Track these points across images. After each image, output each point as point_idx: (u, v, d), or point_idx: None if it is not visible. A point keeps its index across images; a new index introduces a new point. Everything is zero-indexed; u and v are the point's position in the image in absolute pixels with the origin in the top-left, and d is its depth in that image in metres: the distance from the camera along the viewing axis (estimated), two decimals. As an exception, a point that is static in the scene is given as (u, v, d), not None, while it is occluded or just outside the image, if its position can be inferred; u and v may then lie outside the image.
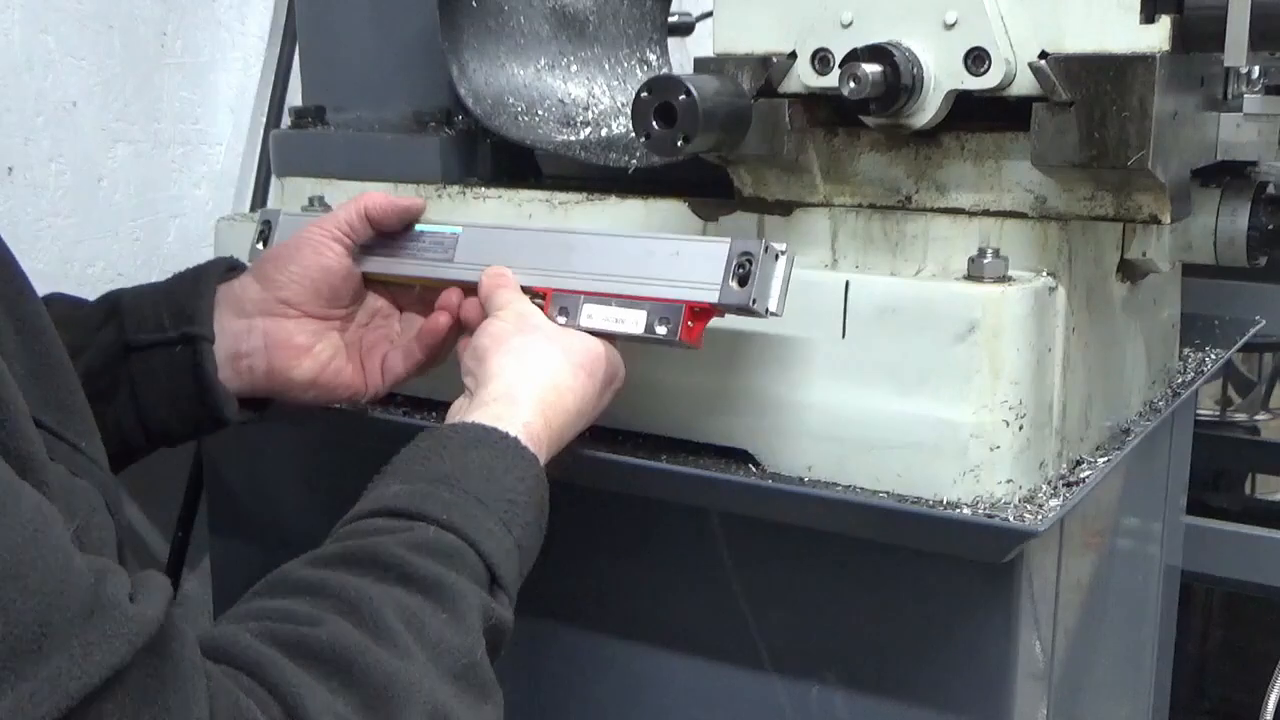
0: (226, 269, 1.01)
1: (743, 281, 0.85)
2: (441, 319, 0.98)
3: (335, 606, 0.67)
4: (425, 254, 1.00)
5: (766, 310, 0.86)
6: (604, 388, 0.90)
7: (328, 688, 0.63)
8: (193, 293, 0.97)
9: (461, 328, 0.97)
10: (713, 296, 0.86)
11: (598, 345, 0.89)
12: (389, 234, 1.01)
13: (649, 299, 0.89)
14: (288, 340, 0.97)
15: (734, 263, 0.86)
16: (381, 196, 1.01)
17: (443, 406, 1.03)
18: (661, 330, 0.88)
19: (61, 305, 1.00)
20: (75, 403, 0.76)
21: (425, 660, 0.67)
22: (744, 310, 0.86)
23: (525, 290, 0.93)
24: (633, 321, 0.89)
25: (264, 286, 0.97)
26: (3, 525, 0.52)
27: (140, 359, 0.95)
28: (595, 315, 0.90)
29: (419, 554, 0.72)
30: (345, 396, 1.01)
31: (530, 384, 0.85)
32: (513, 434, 0.81)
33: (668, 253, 0.89)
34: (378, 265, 1.01)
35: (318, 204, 1.22)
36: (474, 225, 0.99)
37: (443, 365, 1.00)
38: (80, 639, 0.52)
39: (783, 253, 0.86)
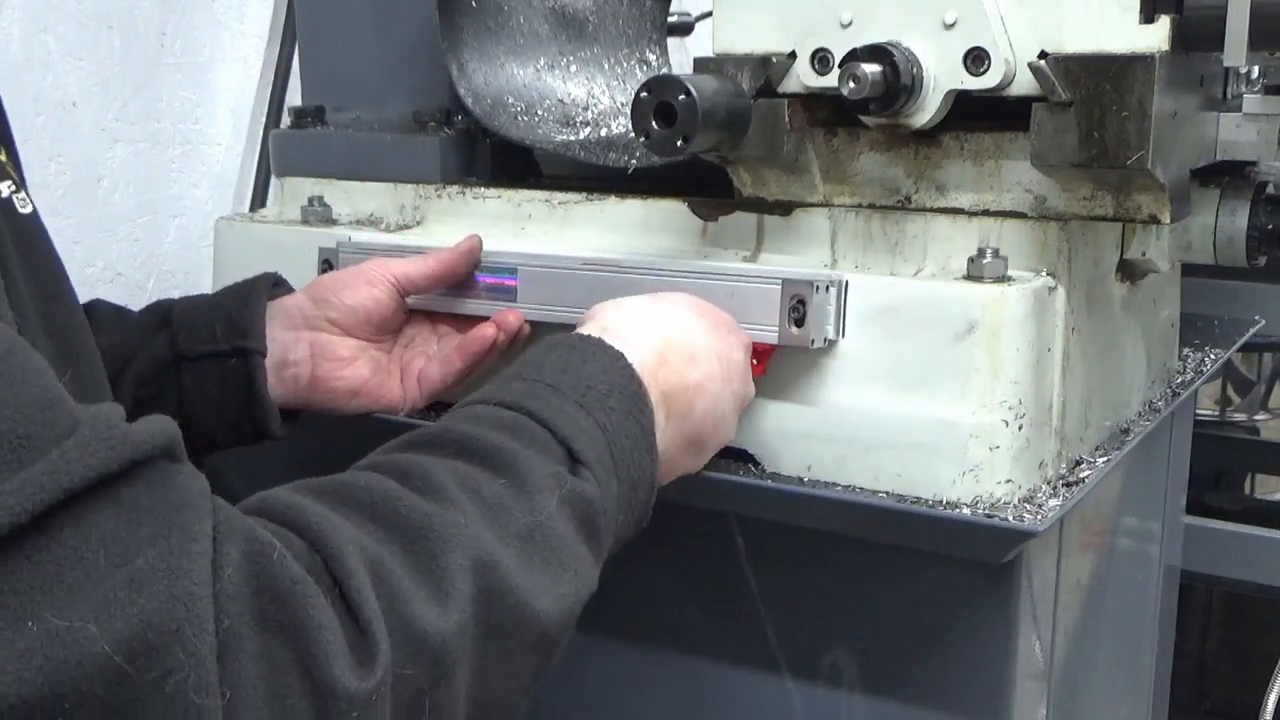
0: (273, 284, 1.02)
1: (799, 323, 0.88)
2: (488, 330, 0.99)
3: (380, 470, 0.65)
4: (484, 293, 1.02)
5: (825, 341, 0.90)
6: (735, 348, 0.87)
7: (359, 527, 0.59)
8: (244, 306, 0.98)
9: (511, 344, 0.99)
10: (773, 337, 0.89)
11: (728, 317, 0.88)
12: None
13: None
14: (333, 352, 0.99)
15: (788, 305, 0.88)
16: (448, 254, 1.01)
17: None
18: None
19: (105, 311, 1.01)
20: (97, 379, 0.76)
21: (476, 513, 0.63)
22: (803, 348, 0.89)
23: None
24: None
25: (315, 305, 0.99)
26: None
27: (191, 369, 0.97)
28: None
29: (476, 425, 0.69)
30: (386, 409, 1.01)
31: (631, 315, 0.83)
32: (595, 336, 0.79)
33: (723, 293, 0.90)
34: (437, 304, 1.04)
35: (317, 204, 1.22)
36: (530, 264, 1.00)
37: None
38: (63, 448, 0.50)
39: (833, 284, 0.89)
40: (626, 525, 0.76)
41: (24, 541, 0.48)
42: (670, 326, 0.84)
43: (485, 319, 1.02)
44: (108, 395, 0.77)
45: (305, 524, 0.57)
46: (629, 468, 0.75)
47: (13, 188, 0.74)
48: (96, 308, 1.01)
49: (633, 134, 0.90)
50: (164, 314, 0.99)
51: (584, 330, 0.82)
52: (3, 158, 0.76)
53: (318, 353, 0.99)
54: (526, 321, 1.00)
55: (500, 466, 0.67)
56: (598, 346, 0.78)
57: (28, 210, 0.75)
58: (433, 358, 1.03)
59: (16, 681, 0.46)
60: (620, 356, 0.78)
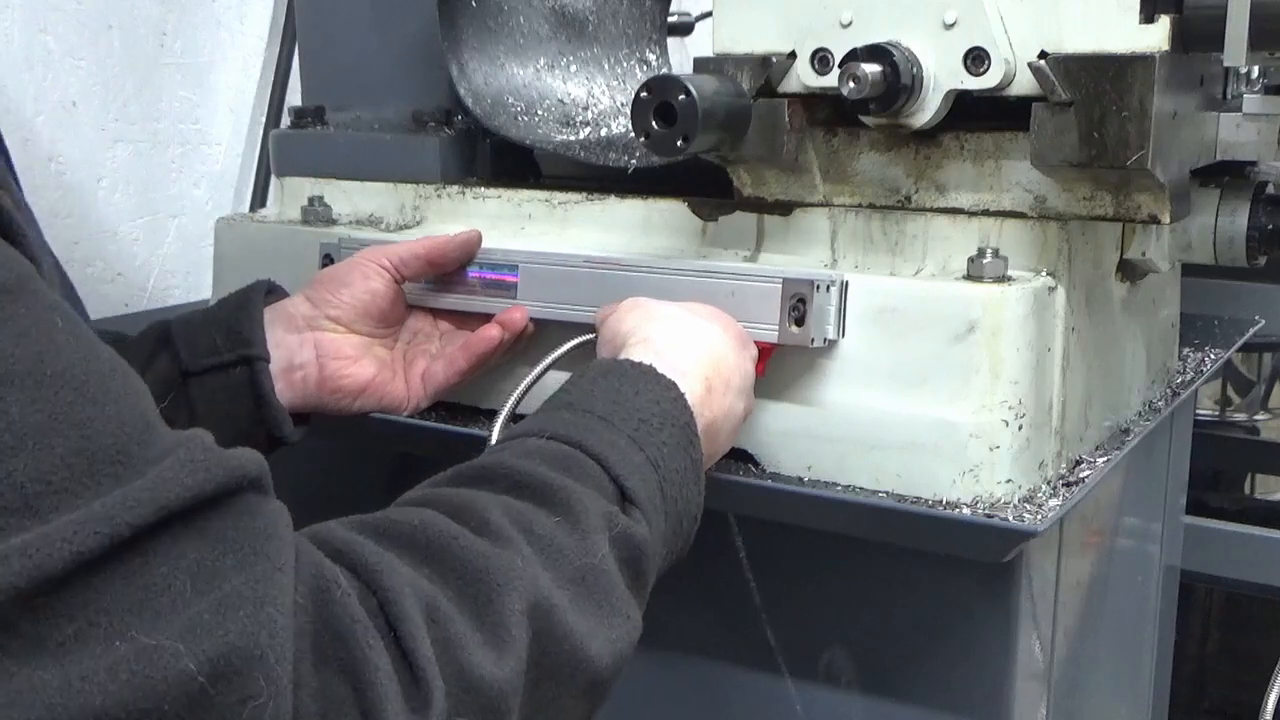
0: (267, 291, 1.02)
1: (799, 322, 0.88)
2: (493, 331, 0.99)
3: (435, 507, 0.64)
4: (484, 289, 1.02)
5: (825, 340, 0.89)
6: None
7: (415, 569, 0.59)
8: (242, 314, 0.98)
9: (514, 343, 1.00)
10: (773, 336, 0.89)
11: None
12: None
13: None
14: (338, 351, 0.99)
15: (788, 305, 0.88)
16: (442, 238, 1.02)
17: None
18: None
19: (106, 339, 1.01)
20: None
21: (531, 554, 0.62)
22: (803, 347, 0.89)
23: (593, 329, 0.94)
24: None
25: (315, 304, 1.00)
26: (84, 354, 0.51)
27: (198, 384, 0.97)
28: None
29: (529, 460, 0.68)
30: (391, 406, 1.02)
31: (678, 338, 0.83)
32: (648, 364, 0.78)
33: (724, 292, 0.91)
34: (440, 301, 1.04)
35: (317, 204, 1.22)
36: (530, 261, 1.01)
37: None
38: (163, 466, 0.50)
39: (834, 283, 0.89)
40: (668, 558, 0.76)
41: (119, 560, 0.48)
42: (713, 351, 0.84)
43: (486, 315, 1.02)
44: None
45: (363, 563, 0.57)
46: (677, 502, 0.75)
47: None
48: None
49: (633, 134, 0.90)
50: (163, 333, 0.99)
51: (632, 354, 0.81)
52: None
53: (323, 353, 0.99)
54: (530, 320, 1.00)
55: (554, 504, 0.66)
56: (650, 376, 0.77)
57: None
58: (436, 356, 1.03)
59: (102, 694, 0.46)
60: (673, 387, 0.77)
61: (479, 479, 0.68)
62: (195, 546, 0.50)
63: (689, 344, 0.83)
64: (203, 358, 0.97)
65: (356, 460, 1.17)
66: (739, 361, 0.86)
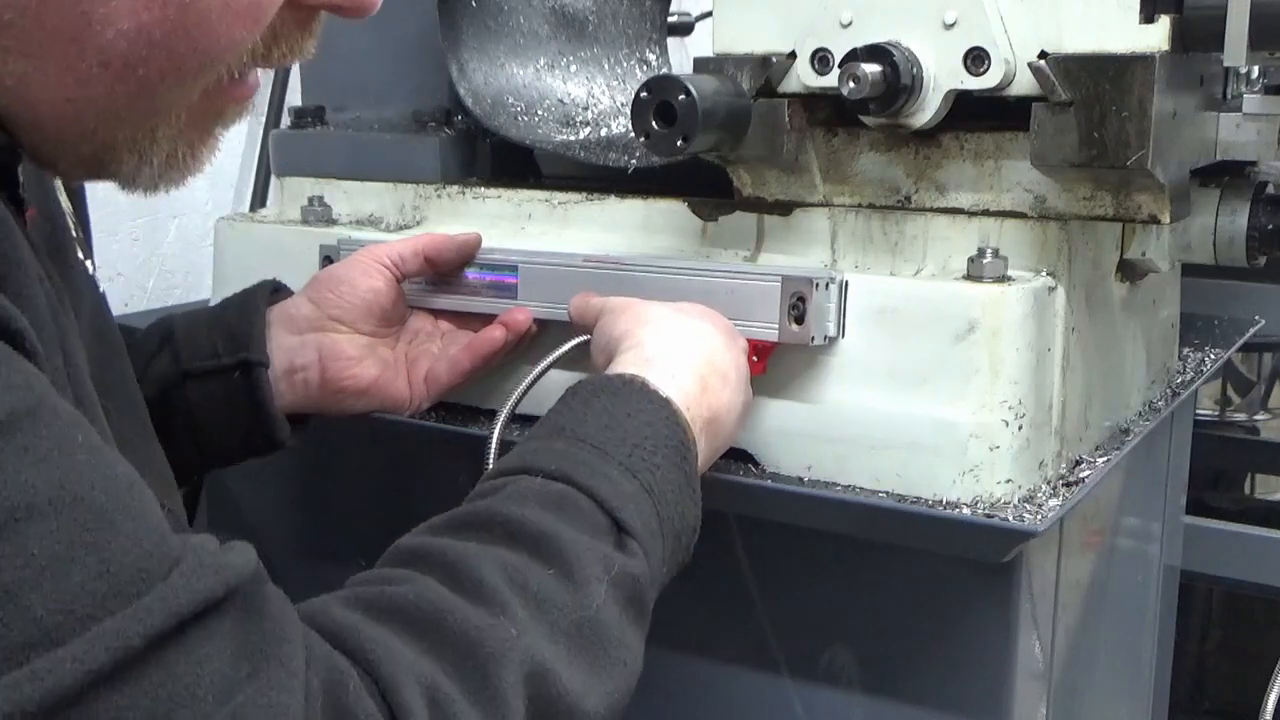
0: (272, 290, 1.02)
1: (799, 320, 0.88)
2: (497, 332, 1.00)
3: (430, 568, 0.64)
4: (484, 290, 1.02)
5: (825, 338, 0.89)
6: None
7: (412, 647, 0.59)
8: (244, 318, 0.98)
9: (517, 343, 1.00)
10: (773, 335, 0.89)
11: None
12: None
13: None
14: (341, 352, 0.99)
15: (788, 303, 0.88)
16: (440, 236, 1.02)
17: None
18: None
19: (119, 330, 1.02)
20: (159, 461, 0.78)
21: (527, 617, 0.63)
22: (804, 346, 0.89)
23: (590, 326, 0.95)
24: None
25: (317, 305, 1.00)
26: (100, 475, 0.51)
27: (197, 386, 0.97)
28: None
29: (523, 506, 0.68)
30: (394, 407, 1.01)
31: (669, 339, 0.83)
32: (639, 375, 0.78)
33: (724, 290, 0.91)
34: (440, 302, 1.04)
35: (317, 204, 1.22)
36: (530, 261, 1.01)
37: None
38: (170, 579, 0.51)
39: (833, 281, 0.89)
40: (670, 574, 0.76)
41: (133, 674, 0.49)
42: (706, 348, 0.84)
43: (486, 316, 1.02)
44: (162, 455, 0.78)
45: (360, 650, 0.58)
46: (674, 521, 0.75)
47: (93, 267, 0.78)
48: None
49: (633, 134, 0.90)
50: (166, 332, 0.99)
51: (623, 364, 0.80)
52: (79, 233, 0.78)
53: (325, 354, 0.98)
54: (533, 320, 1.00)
55: (548, 555, 0.66)
56: (641, 393, 0.77)
57: (101, 290, 0.79)
58: (439, 356, 1.03)
59: None
60: (666, 404, 0.77)
61: (473, 527, 0.67)
62: (211, 655, 0.51)
63: (681, 344, 0.83)
64: (203, 360, 0.97)
65: (357, 461, 1.17)
66: (733, 355, 0.86)
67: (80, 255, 0.74)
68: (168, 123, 0.63)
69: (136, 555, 0.50)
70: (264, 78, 1.76)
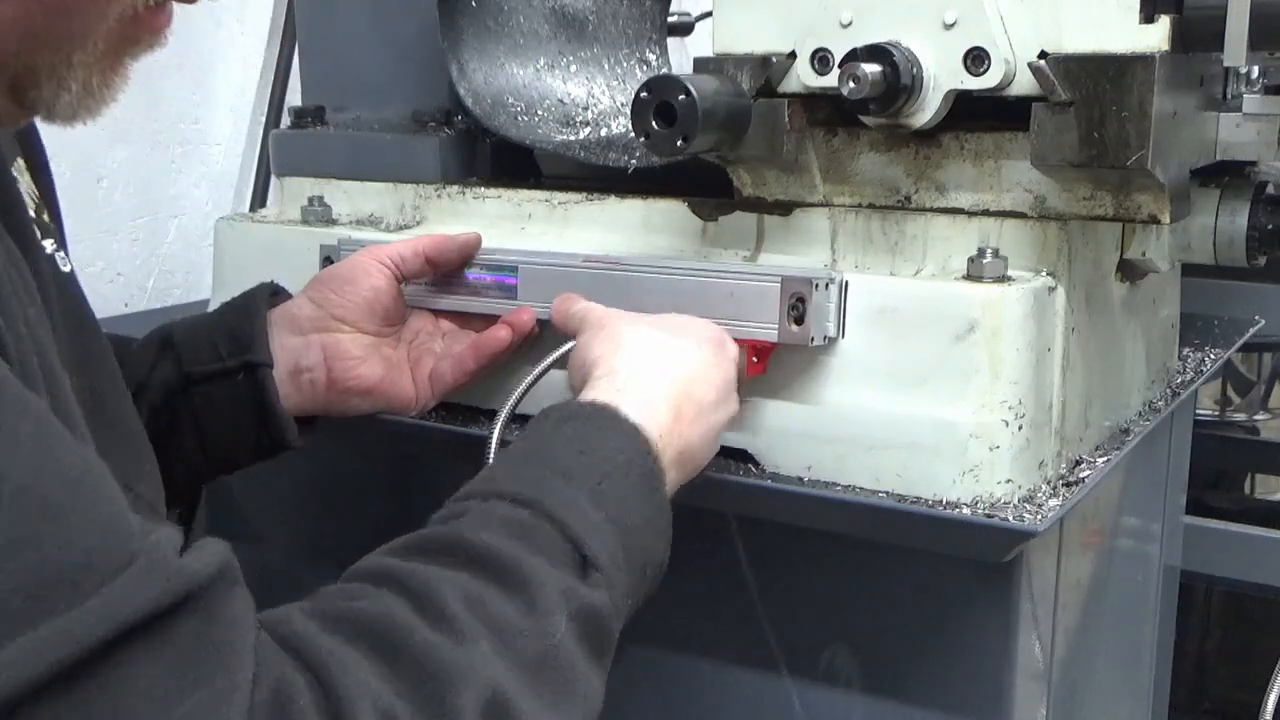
0: (271, 293, 1.02)
1: (799, 321, 0.88)
2: (502, 332, 0.99)
3: (394, 588, 0.63)
4: (485, 290, 1.02)
5: (825, 339, 0.90)
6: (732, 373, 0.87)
7: (370, 666, 0.59)
8: (245, 320, 0.98)
9: (521, 343, 1.00)
10: (772, 336, 0.89)
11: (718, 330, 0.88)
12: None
13: None
14: (346, 352, 0.99)
15: (787, 304, 0.88)
16: (441, 237, 1.02)
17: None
18: None
19: (112, 343, 1.01)
20: (138, 447, 0.77)
21: (488, 646, 0.62)
22: (803, 346, 0.89)
23: None
24: None
25: (319, 305, 0.99)
26: (48, 464, 0.50)
27: (201, 391, 0.96)
28: None
29: (488, 532, 0.67)
30: (399, 407, 1.01)
31: (644, 364, 0.82)
32: (611, 404, 0.77)
33: (723, 293, 0.91)
34: (440, 302, 1.04)
35: (317, 204, 1.22)
36: (530, 261, 1.01)
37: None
38: (117, 583, 0.49)
39: (833, 281, 0.89)
40: (634, 607, 0.75)
41: (69, 684, 0.47)
42: (684, 373, 0.82)
43: (486, 316, 1.02)
44: (143, 443, 0.77)
45: (321, 664, 0.57)
46: (640, 554, 0.74)
47: (55, 246, 0.75)
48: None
49: (633, 134, 0.90)
50: (165, 339, 0.98)
51: (596, 391, 0.79)
52: (45, 217, 0.77)
53: (330, 355, 0.98)
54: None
55: (512, 583, 0.65)
56: (613, 422, 0.76)
57: (67, 269, 0.76)
58: (443, 356, 1.03)
59: None
60: (637, 434, 0.76)
61: (438, 551, 0.66)
62: (152, 665, 0.50)
63: (657, 371, 0.82)
64: (205, 364, 0.96)
65: (356, 461, 1.17)
66: (715, 374, 0.84)
67: (39, 236, 0.72)
68: (84, 49, 0.63)
69: (82, 552, 0.49)
70: (264, 77, 1.76)
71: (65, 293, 0.73)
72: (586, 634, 0.67)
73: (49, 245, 0.74)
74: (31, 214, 0.73)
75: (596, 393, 0.79)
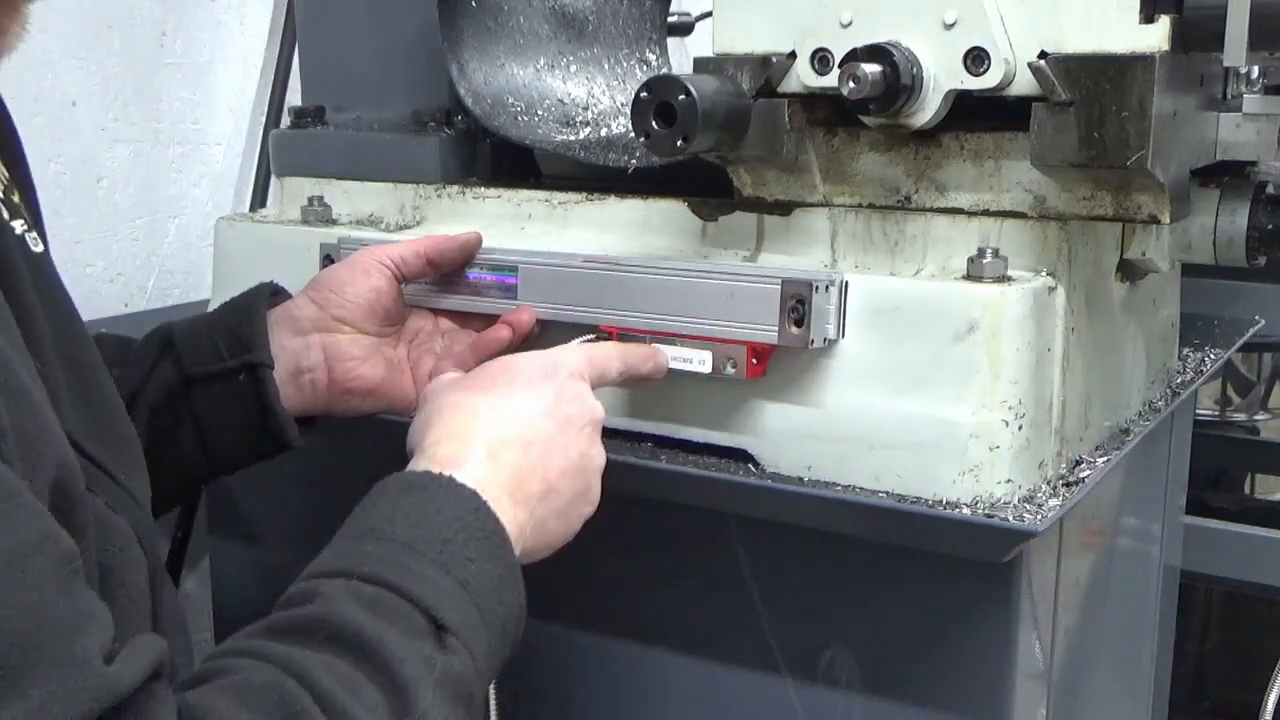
0: (271, 293, 1.02)
1: (798, 322, 0.88)
2: (503, 332, 0.99)
3: (276, 666, 0.63)
4: (485, 290, 1.03)
5: (825, 341, 0.90)
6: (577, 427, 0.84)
7: None
8: (245, 320, 0.98)
9: (521, 343, 0.99)
10: (772, 338, 0.89)
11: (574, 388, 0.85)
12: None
13: (713, 339, 0.92)
14: (347, 352, 0.99)
15: (788, 305, 0.88)
16: (441, 237, 1.02)
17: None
18: (730, 370, 0.91)
19: (110, 343, 1.00)
20: (122, 434, 0.76)
21: None
22: (804, 348, 0.90)
23: (594, 329, 0.95)
24: (699, 361, 0.93)
25: (320, 306, 0.99)
26: None
27: (202, 391, 0.96)
28: (664, 354, 0.94)
29: (342, 611, 0.66)
30: (400, 407, 1.01)
31: (475, 428, 0.80)
32: (446, 473, 0.76)
33: (723, 294, 0.91)
34: (440, 302, 1.04)
35: (317, 203, 1.22)
36: (530, 261, 1.01)
37: None
38: (41, 689, 0.49)
39: (833, 283, 0.89)
40: (500, 662, 0.75)
41: None
42: (517, 428, 0.80)
43: (486, 316, 1.02)
44: (128, 430, 0.76)
45: None
46: (496, 611, 0.73)
47: (25, 227, 0.74)
48: (102, 341, 0.99)
49: (633, 134, 0.90)
50: (165, 339, 0.98)
51: (426, 460, 0.78)
52: (15, 198, 0.76)
53: (331, 355, 0.98)
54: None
55: (372, 660, 0.65)
56: (448, 488, 0.75)
57: (39, 250, 0.75)
58: (443, 356, 1.02)
59: None
60: (474, 496, 0.75)
61: (297, 632, 0.65)
62: None
63: (488, 430, 0.80)
64: (206, 364, 0.96)
65: (355, 461, 1.17)
66: (537, 406, 0.82)
67: (6, 216, 0.71)
68: None
69: (4, 650, 0.48)
70: (264, 77, 1.76)
71: (38, 274, 0.72)
72: (452, 700, 0.67)
73: (19, 226, 0.73)
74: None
75: (426, 461, 0.78)
